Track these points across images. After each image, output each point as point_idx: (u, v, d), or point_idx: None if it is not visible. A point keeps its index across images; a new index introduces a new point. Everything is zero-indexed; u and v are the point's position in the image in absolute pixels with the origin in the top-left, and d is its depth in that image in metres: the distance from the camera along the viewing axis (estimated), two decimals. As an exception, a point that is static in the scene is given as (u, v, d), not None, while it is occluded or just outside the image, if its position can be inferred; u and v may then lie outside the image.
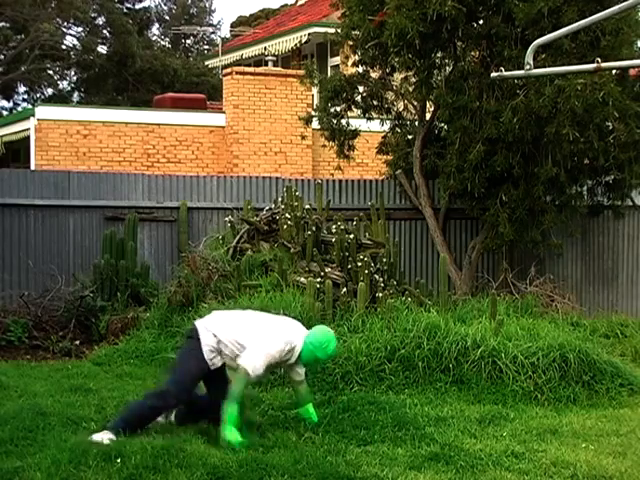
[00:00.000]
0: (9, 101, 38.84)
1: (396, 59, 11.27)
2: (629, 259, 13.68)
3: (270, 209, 11.44)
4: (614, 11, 6.64)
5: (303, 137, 15.57)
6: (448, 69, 11.43)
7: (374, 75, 12.30)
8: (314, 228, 10.73)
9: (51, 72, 38.76)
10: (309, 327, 9.03)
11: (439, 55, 11.37)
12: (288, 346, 6.71)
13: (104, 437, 6.19)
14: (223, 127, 16.97)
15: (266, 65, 19.93)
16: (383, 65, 11.96)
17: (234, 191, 12.08)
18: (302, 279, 9.76)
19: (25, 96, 38.92)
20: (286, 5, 34.65)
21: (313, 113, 13.56)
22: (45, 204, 11.21)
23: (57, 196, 11.30)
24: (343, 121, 12.40)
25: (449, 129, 11.44)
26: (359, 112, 12.59)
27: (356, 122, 12.64)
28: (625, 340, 11.10)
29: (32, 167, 15.62)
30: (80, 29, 37.65)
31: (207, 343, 6.65)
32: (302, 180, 12.64)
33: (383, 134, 13.07)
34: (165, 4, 41.90)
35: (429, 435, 6.84)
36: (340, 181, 12.60)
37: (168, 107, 17.47)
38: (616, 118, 10.71)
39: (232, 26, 35.14)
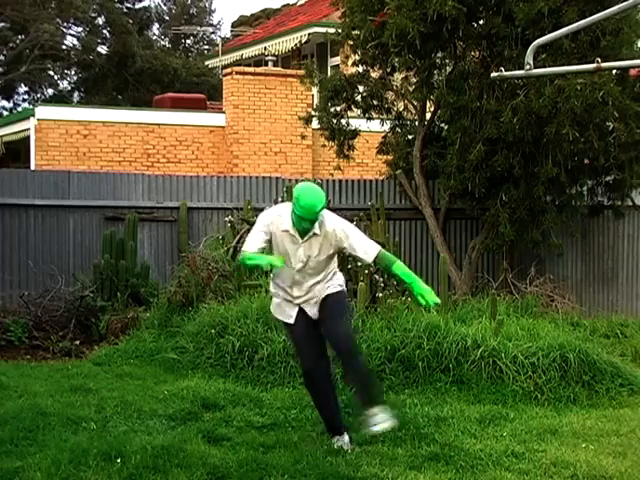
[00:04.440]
0: (9, 101, 38.92)
1: (397, 59, 11.26)
2: (629, 259, 13.67)
3: (270, 209, 11.43)
4: (614, 11, 6.63)
5: (303, 137, 15.55)
6: (448, 69, 11.42)
7: (374, 75, 12.28)
8: (314, 228, 10.70)
9: (51, 72, 38.77)
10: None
11: (439, 55, 11.35)
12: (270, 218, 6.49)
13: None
14: (223, 127, 16.96)
15: (266, 65, 19.90)
16: (383, 65, 11.94)
17: (234, 191, 12.07)
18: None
19: (25, 96, 39.00)
20: (288, 5, 34.62)
21: (313, 113, 13.54)
22: (45, 204, 11.21)
23: (57, 196, 11.30)
24: (343, 121, 12.38)
25: (449, 129, 11.43)
26: (359, 112, 12.57)
27: (356, 122, 12.62)
28: (625, 340, 11.10)
29: (32, 167, 15.60)
30: (80, 29, 37.70)
31: None
32: (302, 180, 12.61)
33: (383, 134, 13.06)
34: (165, 4, 41.92)
35: (429, 435, 6.84)
36: (340, 181, 12.59)
37: (168, 107, 17.45)
38: (616, 118, 10.71)
39: (233, 26, 35.16)
